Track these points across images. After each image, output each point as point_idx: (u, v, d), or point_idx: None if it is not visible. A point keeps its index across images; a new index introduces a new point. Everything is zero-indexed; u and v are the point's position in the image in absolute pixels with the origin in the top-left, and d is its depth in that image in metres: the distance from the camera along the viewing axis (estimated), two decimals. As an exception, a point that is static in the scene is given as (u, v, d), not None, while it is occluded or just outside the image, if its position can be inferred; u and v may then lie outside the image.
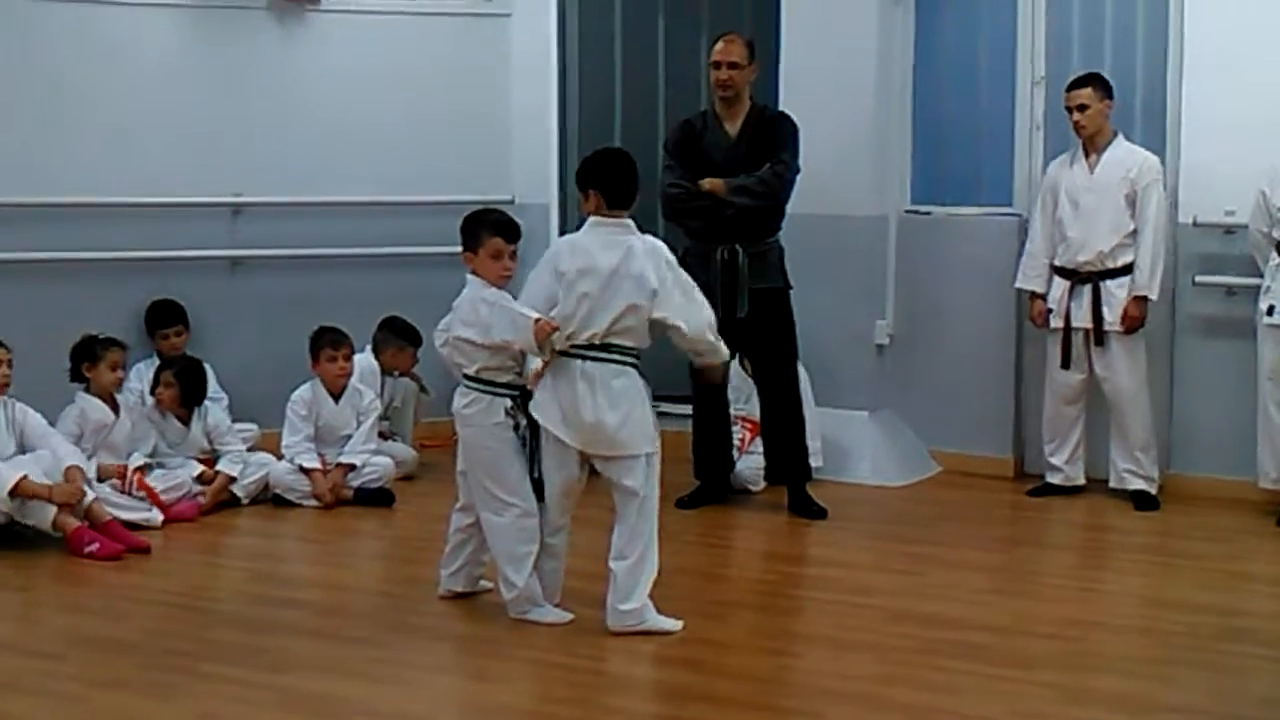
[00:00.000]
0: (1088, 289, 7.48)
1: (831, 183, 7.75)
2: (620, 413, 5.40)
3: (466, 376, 5.63)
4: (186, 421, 7.55)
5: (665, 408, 8.64)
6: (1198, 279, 7.61)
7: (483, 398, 5.59)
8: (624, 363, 5.43)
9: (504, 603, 5.65)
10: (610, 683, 5.09)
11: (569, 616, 5.61)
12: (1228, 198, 7.44)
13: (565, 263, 5.40)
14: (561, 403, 5.40)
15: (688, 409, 7.74)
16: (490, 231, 5.64)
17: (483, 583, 5.91)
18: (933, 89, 8.33)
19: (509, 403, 5.59)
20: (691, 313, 5.49)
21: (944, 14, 8.29)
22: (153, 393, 7.59)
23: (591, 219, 5.48)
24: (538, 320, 5.39)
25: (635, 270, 5.37)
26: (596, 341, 5.37)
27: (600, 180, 5.49)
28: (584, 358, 5.39)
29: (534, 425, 5.61)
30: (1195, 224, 7.57)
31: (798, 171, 7.22)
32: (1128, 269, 7.41)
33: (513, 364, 5.62)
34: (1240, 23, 7.46)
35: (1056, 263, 7.60)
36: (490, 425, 5.58)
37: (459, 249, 5.73)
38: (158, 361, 8.00)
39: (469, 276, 5.66)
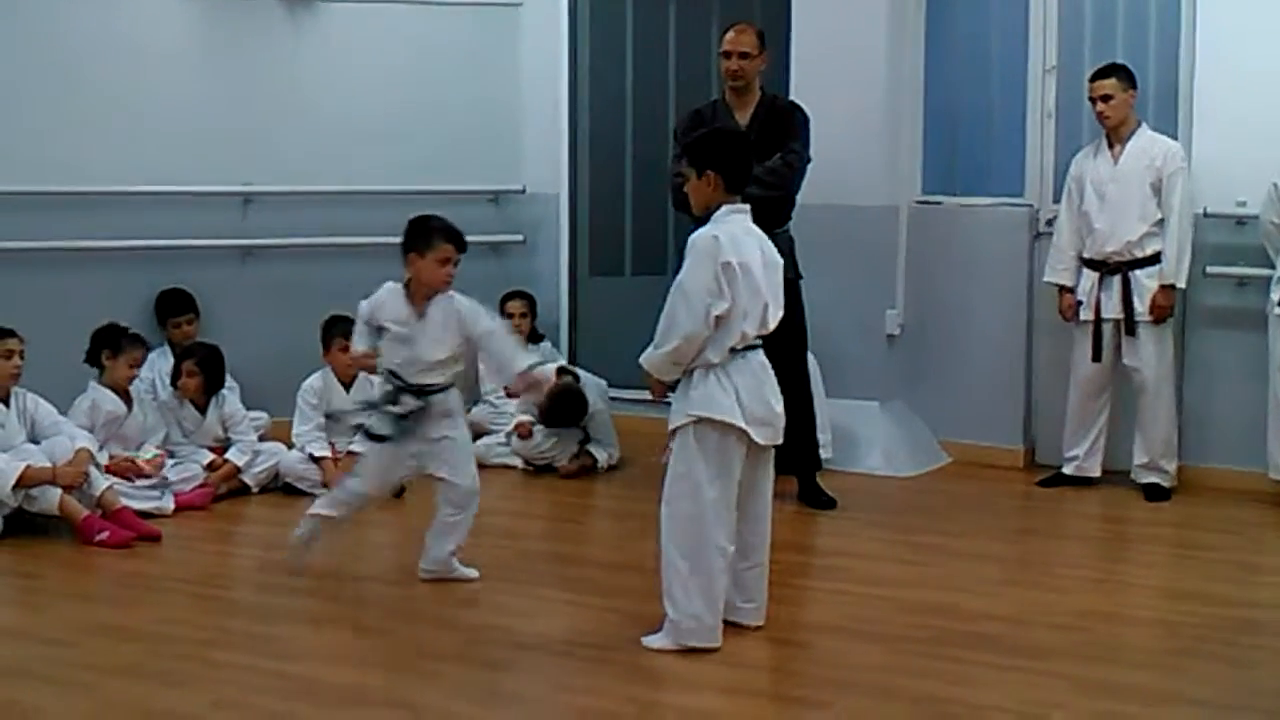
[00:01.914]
0: (1117, 280, 7.45)
1: (842, 172, 7.73)
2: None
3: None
4: (204, 409, 7.57)
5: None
6: (1209, 270, 7.59)
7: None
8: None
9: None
10: (619, 670, 5.08)
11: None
12: (1239, 188, 7.43)
13: (728, 253, 5.07)
14: (746, 400, 5.12)
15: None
16: (443, 238, 5.88)
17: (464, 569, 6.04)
18: (944, 78, 8.32)
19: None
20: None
21: (955, 3, 8.27)
22: (174, 383, 7.60)
23: (725, 208, 5.18)
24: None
25: (775, 258, 5.24)
26: (765, 334, 5.21)
27: (722, 161, 5.19)
28: (754, 348, 5.19)
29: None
30: (1206, 215, 7.56)
31: (808, 161, 7.20)
32: (1156, 258, 7.39)
33: None
34: (1252, 13, 7.45)
35: (1085, 255, 7.57)
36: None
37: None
38: (169, 351, 8.02)
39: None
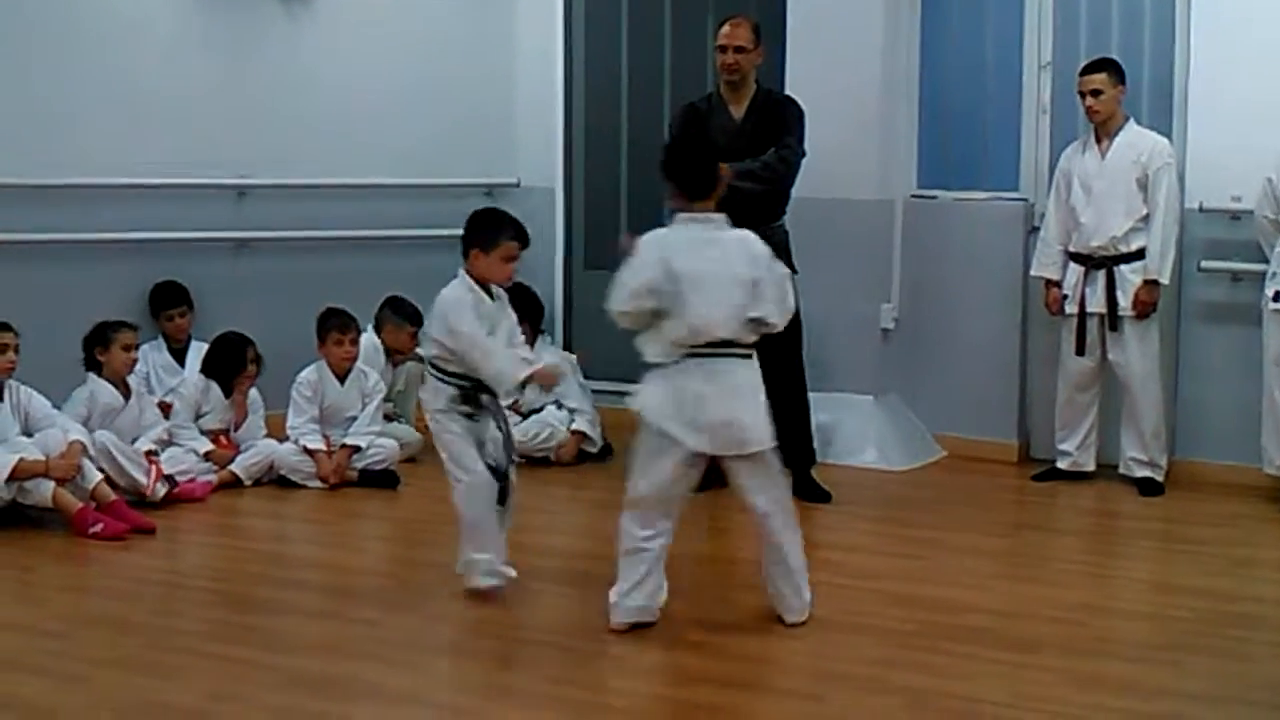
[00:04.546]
0: (1102, 274, 7.46)
1: (837, 167, 7.74)
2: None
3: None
4: (230, 394, 7.62)
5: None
6: (1204, 264, 7.61)
7: (433, 382, 5.76)
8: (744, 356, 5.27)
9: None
10: (614, 664, 5.09)
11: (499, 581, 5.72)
12: (1234, 183, 7.44)
13: (661, 255, 5.22)
14: (685, 404, 5.17)
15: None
16: (510, 235, 5.76)
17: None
18: (939, 73, 8.32)
19: (454, 390, 5.71)
20: (784, 309, 5.38)
21: (951, -2, 8.29)
22: (221, 372, 7.60)
23: (682, 215, 5.32)
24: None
25: (735, 271, 5.24)
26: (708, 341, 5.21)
27: (673, 172, 5.38)
28: (713, 355, 5.20)
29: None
30: (1201, 209, 7.57)
31: (803, 155, 7.20)
32: (1141, 253, 7.40)
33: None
34: (1248, 7, 7.45)
35: (1071, 249, 7.58)
36: (435, 410, 5.76)
37: (463, 231, 5.81)
38: (163, 343, 8.03)
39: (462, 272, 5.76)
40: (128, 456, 6.98)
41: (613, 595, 5.34)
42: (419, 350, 8.34)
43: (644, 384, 5.28)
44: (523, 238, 5.83)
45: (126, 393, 7.27)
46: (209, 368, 7.64)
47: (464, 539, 5.75)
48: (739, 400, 5.23)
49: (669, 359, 5.20)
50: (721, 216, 5.35)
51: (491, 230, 5.77)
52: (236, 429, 7.64)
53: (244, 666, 5.03)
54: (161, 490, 7.06)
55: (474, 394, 5.71)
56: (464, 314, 5.67)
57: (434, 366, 5.76)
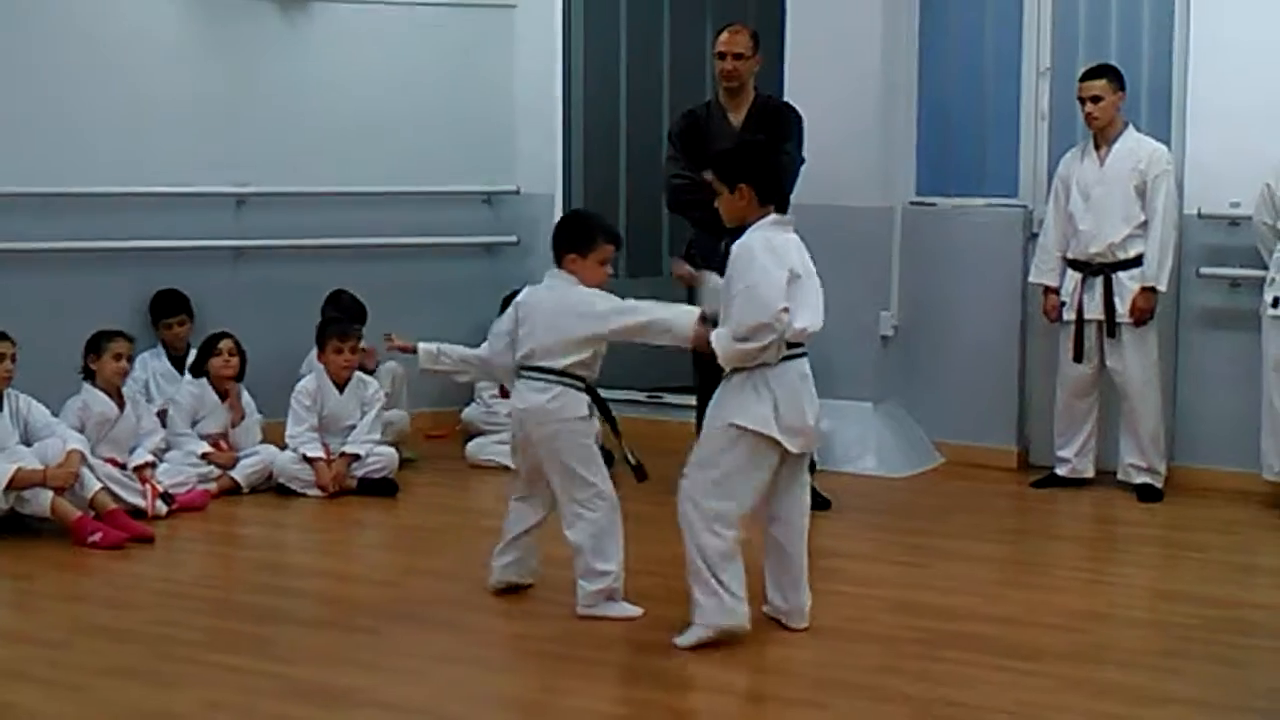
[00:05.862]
0: (1099, 281, 7.46)
1: (836, 173, 7.72)
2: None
3: (550, 371, 5.54)
4: (225, 397, 7.61)
5: (669, 398, 8.69)
6: (1202, 271, 7.61)
7: (568, 391, 5.55)
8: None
9: (585, 594, 5.55)
10: (612, 672, 5.08)
11: (638, 611, 5.55)
12: (1233, 189, 7.44)
13: (782, 258, 5.13)
14: (782, 409, 5.13)
15: (691, 400, 7.72)
16: (605, 238, 5.67)
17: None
18: (938, 79, 8.31)
19: (588, 398, 5.60)
20: None
21: (949, 4, 8.26)
22: (202, 368, 7.60)
23: (772, 218, 5.22)
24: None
25: (811, 267, 5.25)
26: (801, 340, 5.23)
27: (753, 173, 5.24)
28: (795, 357, 5.21)
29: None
30: (1200, 215, 7.57)
31: (802, 162, 7.19)
32: (1139, 260, 7.40)
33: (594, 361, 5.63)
34: (1247, 13, 7.46)
35: (1069, 255, 7.59)
36: (576, 418, 5.54)
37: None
38: (162, 352, 8.02)
39: (555, 274, 5.63)
40: (121, 484, 6.94)
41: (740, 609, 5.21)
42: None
43: (733, 394, 5.16)
44: (616, 240, 5.75)
45: (120, 402, 7.25)
46: (196, 368, 7.66)
47: (591, 552, 5.54)
48: (814, 400, 5.27)
49: (764, 363, 5.12)
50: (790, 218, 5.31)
51: (587, 233, 5.67)
52: (234, 426, 7.62)
53: (243, 675, 5.02)
54: (163, 508, 7.03)
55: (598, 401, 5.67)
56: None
57: (569, 375, 5.56)
